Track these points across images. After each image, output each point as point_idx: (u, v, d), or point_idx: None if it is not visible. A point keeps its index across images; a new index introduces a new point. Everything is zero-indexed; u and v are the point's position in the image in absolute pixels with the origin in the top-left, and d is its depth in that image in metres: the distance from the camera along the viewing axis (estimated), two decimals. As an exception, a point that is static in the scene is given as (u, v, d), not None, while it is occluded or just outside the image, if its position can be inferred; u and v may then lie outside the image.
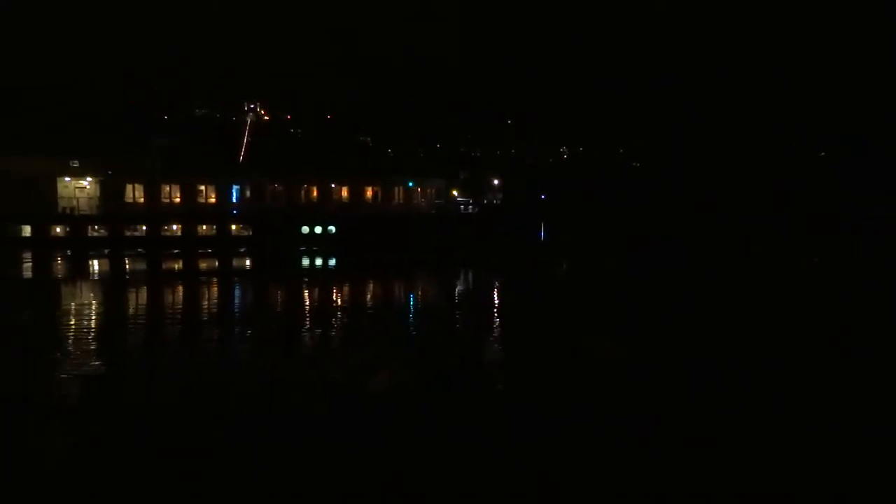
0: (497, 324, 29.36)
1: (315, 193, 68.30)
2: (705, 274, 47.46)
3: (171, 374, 20.55)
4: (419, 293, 41.05)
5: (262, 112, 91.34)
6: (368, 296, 38.94)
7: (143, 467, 13.81)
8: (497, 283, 44.33)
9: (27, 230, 59.63)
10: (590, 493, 12.80)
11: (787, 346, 24.69)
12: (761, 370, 20.89)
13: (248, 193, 66.30)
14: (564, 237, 70.80)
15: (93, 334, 26.60)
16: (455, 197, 78.64)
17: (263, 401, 17.88)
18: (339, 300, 37.72)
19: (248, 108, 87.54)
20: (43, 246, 58.33)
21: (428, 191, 75.03)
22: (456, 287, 42.99)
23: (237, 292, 40.75)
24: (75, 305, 34.21)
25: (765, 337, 26.03)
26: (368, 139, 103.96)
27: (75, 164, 61.03)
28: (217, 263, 53.95)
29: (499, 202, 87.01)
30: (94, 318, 30.32)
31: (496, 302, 36.60)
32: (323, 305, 35.34)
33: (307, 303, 36.47)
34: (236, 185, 66.25)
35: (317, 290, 40.96)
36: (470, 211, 77.25)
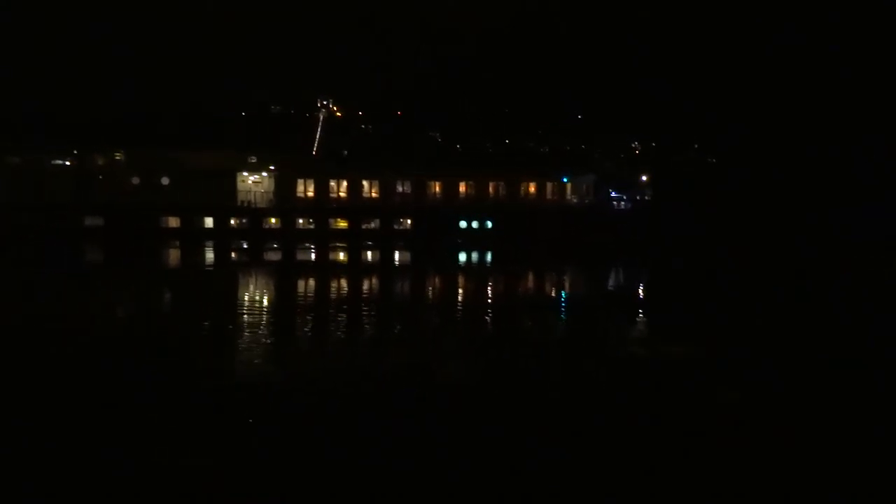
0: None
1: (471, 189, 69.66)
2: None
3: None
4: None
5: (425, 112, 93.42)
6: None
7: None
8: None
9: (209, 222, 63.87)
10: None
11: None
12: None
13: (407, 189, 68.46)
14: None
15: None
16: (609, 192, 78.07)
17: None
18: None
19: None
20: (223, 236, 62.37)
21: (581, 186, 74.93)
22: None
23: (462, 282, 45.97)
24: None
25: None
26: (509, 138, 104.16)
27: (253, 159, 64.85)
28: (405, 256, 58.61)
29: (649, 198, 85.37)
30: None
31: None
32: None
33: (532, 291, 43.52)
34: (397, 180, 68.47)
35: (519, 281, 46.91)
36: (622, 207, 76.52)
